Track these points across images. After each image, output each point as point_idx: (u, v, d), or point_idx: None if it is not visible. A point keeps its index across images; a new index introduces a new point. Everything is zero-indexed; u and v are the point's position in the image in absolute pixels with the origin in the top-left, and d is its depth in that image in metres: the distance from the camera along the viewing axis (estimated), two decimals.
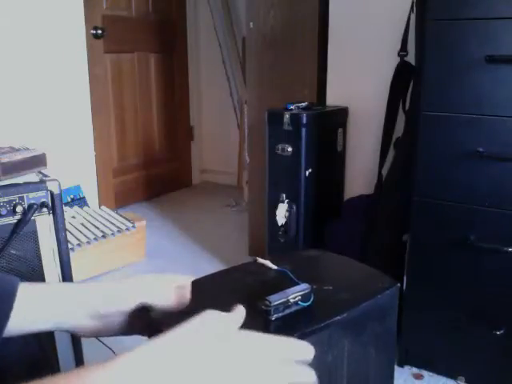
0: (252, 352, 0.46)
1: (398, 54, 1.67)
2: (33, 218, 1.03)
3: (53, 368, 1.07)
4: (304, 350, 0.49)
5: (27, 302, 0.59)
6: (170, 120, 3.37)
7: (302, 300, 0.58)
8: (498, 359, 1.35)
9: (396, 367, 1.49)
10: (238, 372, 0.44)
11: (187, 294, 0.62)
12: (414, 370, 1.49)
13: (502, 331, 1.31)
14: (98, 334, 0.63)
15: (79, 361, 1.13)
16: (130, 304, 0.60)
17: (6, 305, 0.57)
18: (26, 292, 0.60)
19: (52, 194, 1.04)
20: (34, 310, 0.59)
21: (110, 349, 1.20)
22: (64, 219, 1.08)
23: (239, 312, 0.52)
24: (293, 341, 0.49)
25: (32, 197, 1.02)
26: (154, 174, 3.28)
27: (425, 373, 1.48)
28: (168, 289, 0.61)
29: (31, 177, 1.10)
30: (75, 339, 1.12)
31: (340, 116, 1.91)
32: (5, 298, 0.58)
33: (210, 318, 0.49)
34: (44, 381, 0.41)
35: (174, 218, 2.88)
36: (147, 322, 0.61)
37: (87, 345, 1.17)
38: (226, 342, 0.46)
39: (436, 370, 1.47)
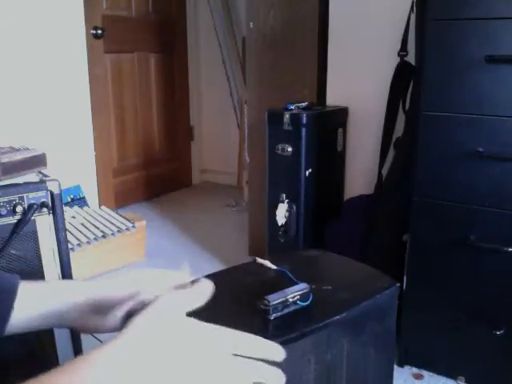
0: (204, 344, 0.46)
1: (398, 54, 1.67)
2: (33, 218, 1.03)
3: (52, 366, 1.07)
4: (270, 349, 0.48)
5: (27, 300, 0.59)
6: (170, 120, 3.37)
7: (300, 300, 0.58)
8: (498, 359, 1.35)
9: (396, 367, 1.49)
10: (189, 365, 0.44)
11: None
12: (414, 370, 1.49)
13: (501, 331, 1.31)
14: (98, 330, 0.63)
15: None
16: (128, 298, 0.60)
17: (6, 304, 0.58)
18: (26, 290, 0.60)
19: (52, 194, 1.04)
20: (35, 307, 0.59)
21: None
22: (64, 219, 1.08)
23: (194, 291, 0.52)
24: (255, 338, 0.49)
25: (32, 197, 1.02)
26: (154, 174, 3.28)
27: (425, 373, 1.48)
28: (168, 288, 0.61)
29: (31, 177, 1.10)
30: (75, 337, 1.12)
31: (340, 116, 1.91)
32: (5, 297, 0.58)
33: (157, 312, 0.48)
34: (42, 378, 0.42)
35: (174, 218, 2.88)
36: None
37: (87, 342, 1.17)
38: (175, 335, 0.46)
39: (436, 370, 1.47)
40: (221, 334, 0.48)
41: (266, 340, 0.48)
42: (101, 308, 0.60)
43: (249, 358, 0.47)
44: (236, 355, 0.46)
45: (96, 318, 0.61)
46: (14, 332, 0.59)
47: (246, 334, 0.48)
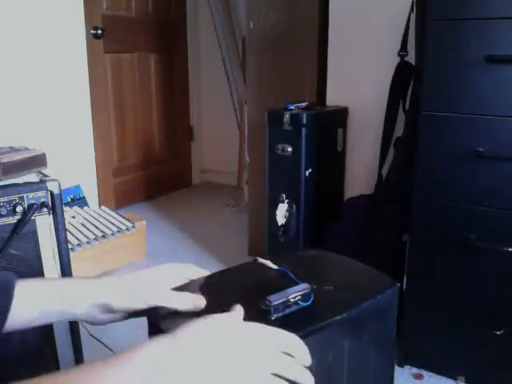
0: (255, 339, 0.48)
1: (398, 54, 1.67)
2: (33, 218, 1.03)
3: (52, 365, 1.07)
4: (304, 352, 0.50)
5: (34, 298, 0.60)
6: (170, 120, 3.37)
7: (301, 300, 0.58)
8: (498, 359, 1.35)
9: (396, 367, 1.49)
10: (237, 359, 0.46)
11: (201, 297, 0.61)
12: (414, 370, 1.49)
13: (501, 331, 1.31)
14: (100, 324, 0.64)
15: (79, 360, 1.13)
16: (142, 304, 0.60)
17: (5, 302, 0.58)
18: (33, 288, 0.61)
19: (52, 194, 1.04)
20: (42, 305, 0.60)
21: (111, 349, 1.20)
22: (64, 219, 1.08)
23: (238, 311, 0.54)
24: (294, 337, 0.50)
25: (32, 197, 1.02)
26: (154, 174, 3.28)
27: (425, 373, 1.48)
28: (184, 294, 0.62)
29: (31, 177, 1.10)
30: (75, 336, 1.12)
31: (340, 116, 1.91)
32: (3, 296, 0.58)
33: (214, 316, 0.51)
34: (84, 369, 0.43)
35: (174, 218, 2.88)
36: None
37: (87, 344, 1.17)
38: (233, 332, 0.49)
39: (436, 370, 1.47)
40: (266, 330, 0.50)
41: (302, 342, 0.50)
42: (108, 308, 0.61)
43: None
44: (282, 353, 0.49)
45: (102, 315, 0.62)
46: (16, 328, 0.59)
47: (287, 332, 0.50)
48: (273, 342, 0.49)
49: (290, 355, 0.49)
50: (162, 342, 0.46)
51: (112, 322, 0.64)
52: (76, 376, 0.43)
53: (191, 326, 0.48)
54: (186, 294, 0.61)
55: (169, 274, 0.66)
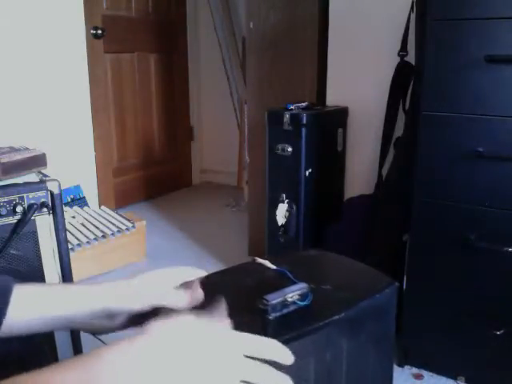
0: (217, 345, 0.47)
1: (398, 54, 1.67)
2: (33, 218, 1.03)
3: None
4: (281, 352, 0.48)
5: (36, 304, 0.59)
6: (170, 120, 3.37)
7: (299, 299, 0.58)
8: (498, 359, 1.35)
9: (396, 367, 1.49)
10: (202, 365, 0.45)
11: (198, 292, 0.62)
12: (414, 370, 1.49)
13: (501, 331, 1.31)
14: (102, 332, 0.63)
15: None
16: (142, 305, 0.60)
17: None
18: (35, 293, 0.60)
19: (52, 194, 1.05)
20: (46, 311, 0.59)
21: None
22: (64, 219, 1.08)
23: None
24: (267, 340, 0.49)
25: (32, 197, 1.02)
26: (154, 174, 3.28)
27: (425, 373, 1.48)
28: (180, 291, 0.62)
29: (31, 177, 1.11)
30: (75, 336, 1.12)
31: (340, 116, 1.91)
32: None
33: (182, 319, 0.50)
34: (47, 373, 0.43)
35: (174, 218, 2.88)
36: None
37: (87, 342, 1.17)
38: (190, 339, 0.47)
39: (436, 370, 1.47)
40: (233, 336, 0.48)
41: (277, 343, 0.49)
42: (113, 315, 0.61)
43: (260, 360, 0.47)
44: (248, 357, 0.47)
45: (105, 322, 0.62)
46: (15, 334, 0.59)
47: (258, 336, 0.49)
48: (240, 348, 0.47)
49: (269, 361, 0.47)
50: (132, 343, 0.45)
51: (113, 330, 0.63)
52: (55, 374, 0.42)
53: (157, 325, 0.48)
54: (183, 291, 0.61)
55: (168, 276, 0.66)
